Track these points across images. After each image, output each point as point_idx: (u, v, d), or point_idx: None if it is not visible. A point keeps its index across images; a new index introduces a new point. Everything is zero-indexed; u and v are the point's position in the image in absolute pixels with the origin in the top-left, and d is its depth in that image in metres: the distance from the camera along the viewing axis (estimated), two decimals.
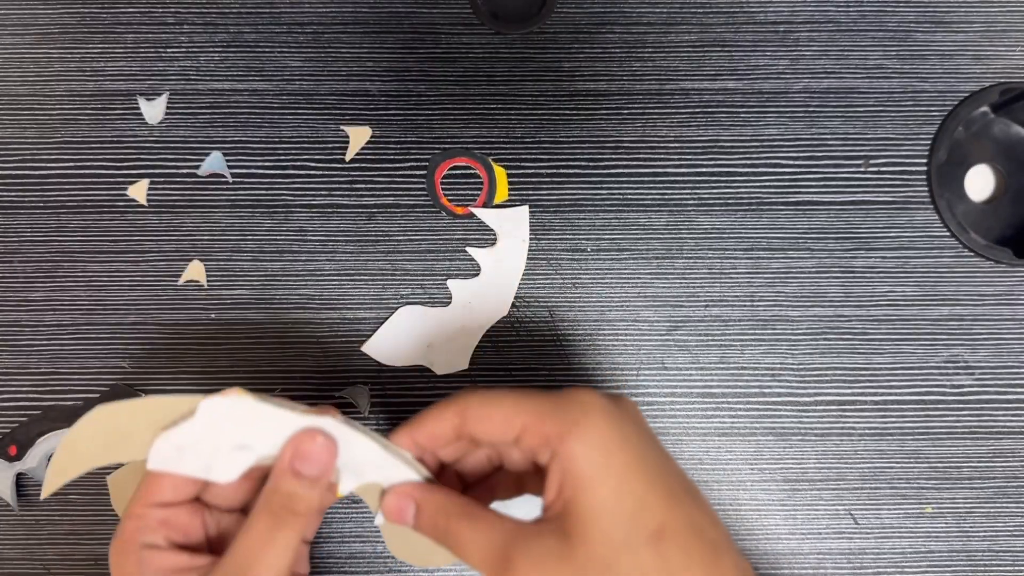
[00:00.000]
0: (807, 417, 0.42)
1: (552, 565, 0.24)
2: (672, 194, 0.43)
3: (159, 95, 0.43)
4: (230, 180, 0.42)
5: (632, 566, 0.24)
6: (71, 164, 0.43)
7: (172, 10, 0.44)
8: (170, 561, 0.28)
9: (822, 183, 0.43)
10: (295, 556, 0.28)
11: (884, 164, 0.43)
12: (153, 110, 0.42)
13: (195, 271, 0.43)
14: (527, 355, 0.42)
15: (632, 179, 0.43)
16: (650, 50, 0.44)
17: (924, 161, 0.43)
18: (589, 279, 0.43)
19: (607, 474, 0.25)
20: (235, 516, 0.31)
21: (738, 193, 0.43)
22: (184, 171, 0.43)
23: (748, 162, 0.43)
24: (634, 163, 0.43)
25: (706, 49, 0.44)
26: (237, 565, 0.27)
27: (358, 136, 0.41)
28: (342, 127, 0.42)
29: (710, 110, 0.43)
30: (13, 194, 0.43)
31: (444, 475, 0.31)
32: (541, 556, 0.25)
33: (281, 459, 0.28)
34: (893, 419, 0.42)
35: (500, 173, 0.43)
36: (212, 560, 0.28)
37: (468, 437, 0.28)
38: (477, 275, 0.43)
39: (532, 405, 0.27)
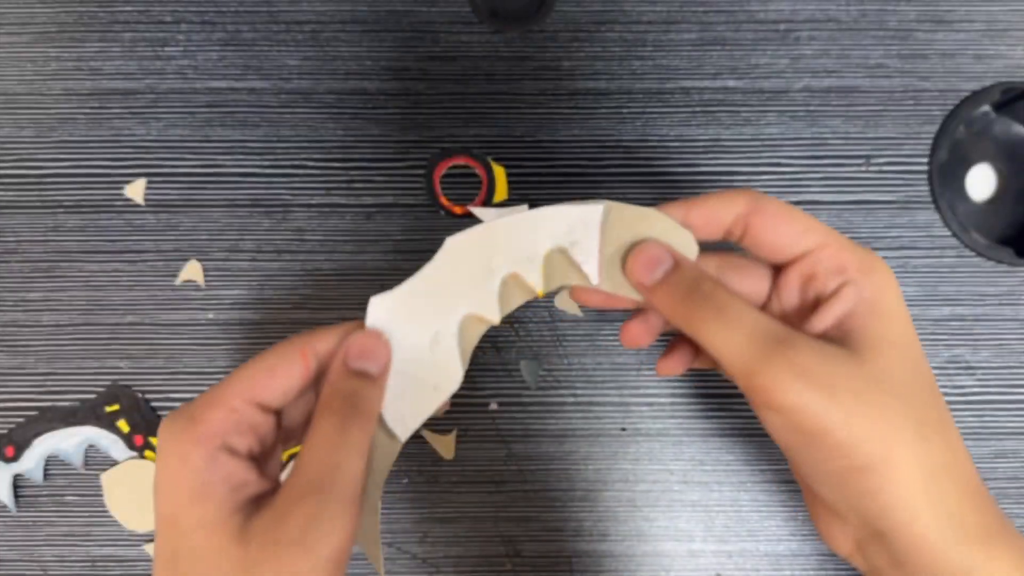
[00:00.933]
0: None
1: (840, 369, 0.25)
2: (673, 193, 0.43)
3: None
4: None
5: (919, 396, 0.26)
6: (68, 163, 0.43)
7: (169, 9, 0.44)
8: (241, 475, 0.25)
9: (823, 182, 0.43)
10: (368, 460, 0.26)
11: (885, 163, 0.43)
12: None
13: (193, 271, 0.42)
14: (527, 355, 0.42)
15: (632, 178, 0.43)
16: (650, 49, 0.44)
17: (925, 160, 0.43)
18: None
19: (905, 314, 0.27)
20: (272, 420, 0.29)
21: None
22: (181, 170, 0.43)
23: (749, 161, 0.43)
24: (634, 162, 0.43)
25: (706, 48, 0.44)
26: (313, 474, 0.24)
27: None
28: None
29: (711, 109, 0.43)
30: (10, 193, 0.43)
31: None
32: (824, 358, 0.25)
33: (337, 358, 0.27)
34: None
35: (499, 172, 0.43)
36: (272, 485, 0.27)
37: (740, 237, 0.28)
38: None
39: (830, 232, 0.28)
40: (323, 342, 0.28)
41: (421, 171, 0.43)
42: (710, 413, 0.42)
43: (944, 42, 0.44)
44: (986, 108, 0.44)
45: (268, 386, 0.27)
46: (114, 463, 0.41)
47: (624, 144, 0.43)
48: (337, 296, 0.42)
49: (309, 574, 0.24)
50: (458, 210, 0.43)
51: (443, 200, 0.43)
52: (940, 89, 0.44)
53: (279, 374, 0.27)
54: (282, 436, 0.29)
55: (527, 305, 0.42)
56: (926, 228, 0.43)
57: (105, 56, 0.43)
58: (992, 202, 0.44)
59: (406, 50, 0.44)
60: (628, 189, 0.43)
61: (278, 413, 0.28)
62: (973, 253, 0.43)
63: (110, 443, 0.41)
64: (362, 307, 0.43)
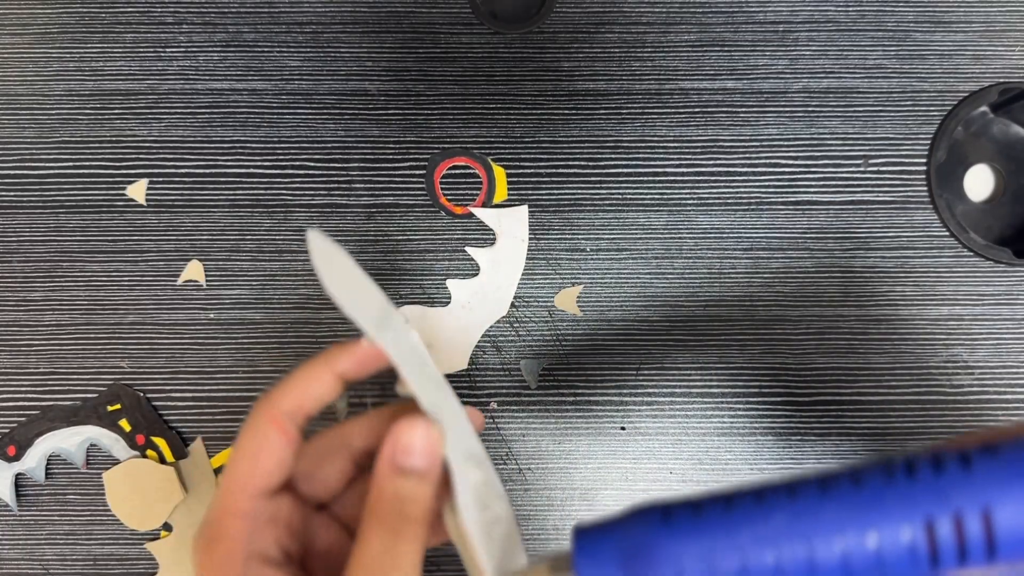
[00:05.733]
0: (807, 417, 0.42)
1: None
2: (671, 194, 0.43)
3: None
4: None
5: None
6: (70, 164, 0.43)
7: (171, 9, 0.44)
8: None
9: (821, 183, 0.43)
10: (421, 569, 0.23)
11: (883, 164, 0.43)
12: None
13: (194, 271, 0.43)
14: (527, 355, 0.42)
15: (631, 179, 0.43)
16: (649, 50, 0.44)
17: (923, 161, 0.43)
18: (588, 279, 0.43)
19: None
20: (323, 518, 0.26)
21: (737, 193, 0.43)
22: (183, 171, 0.43)
23: (747, 162, 0.43)
24: (633, 163, 0.43)
25: (705, 49, 0.44)
26: None
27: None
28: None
29: (709, 110, 0.43)
30: (12, 194, 0.43)
31: None
32: None
33: (381, 458, 0.23)
34: (893, 419, 0.42)
35: (499, 173, 0.43)
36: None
37: None
38: (476, 275, 0.42)
39: None
40: (289, 398, 0.24)
41: (421, 171, 0.43)
42: (709, 412, 0.42)
43: (942, 43, 0.44)
44: (984, 109, 0.44)
45: (256, 474, 0.23)
46: (116, 462, 0.42)
47: (623, 145, 0.43)
48: None
49: None
50: (458, 210, 0.43)
51: (443, 200, 0.43)
52: (938, 90, 0.44)
53: (261, 458, 0.23)
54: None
55: (527, 305, 0.43)
56: (924, 228, 0.43)
57: (107, 57, 0.44)
58: (990, 202, 0.44)
59: (406, 51, 0.44)
60: (627, 189, 0.43)
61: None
62: (971, 253, 0.43)
63: (111, 442, 0.41)
64: None
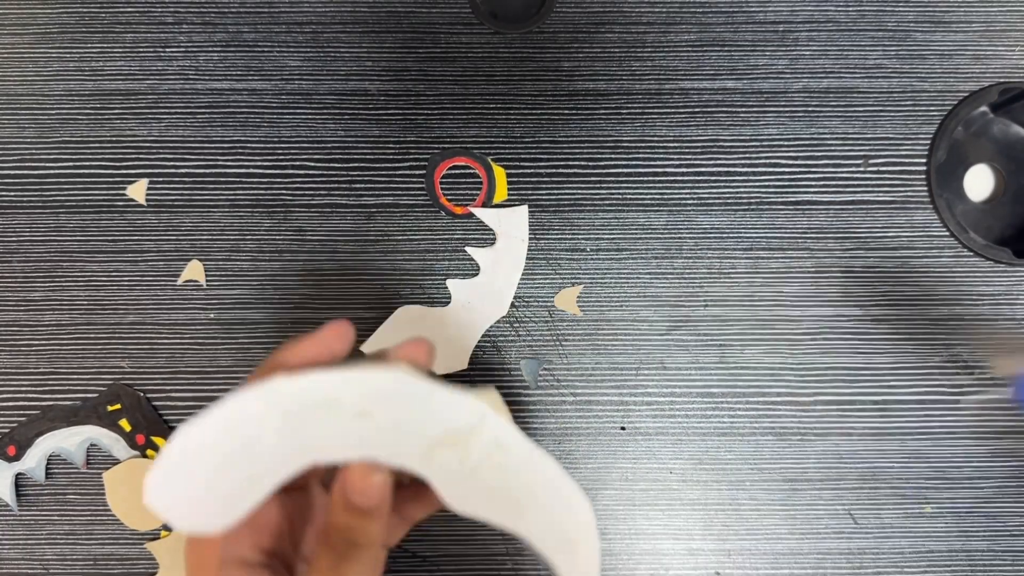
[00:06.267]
0: (807, 417, 0.42)
1: None
2: (671, 194, 0.43)
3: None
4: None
5: None
6: (70, 164, 0.43)
7: (171, 10, 0.44)
8: None
9: (821, 183, 0.43)
10: None
11: (883, 164, 0.43)
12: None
13: (194, 271, 0.43)
14: (527, 355, 0.42)
15: (631, 179, 0.43)
16: (649, 50, 0.44)
17: (923, 161, 0.43)
18: (588, 279, 0.43)
19: None
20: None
21: (737, 193, 0.43)
22: (183, 171, 0.43)
23: (747, 162, 0.43)
24: (633, 163, 0.43)
25: (705, 49, 0.44)
26: None
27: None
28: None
29: (709, 110, 0.43)
30: (12, 194, 0.43)
31: None
32: None
33: (334, 492, 0.25)
34: (893, 419, 0.42)
35: (499, 173, 0.43)
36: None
37: None
38: (476, 275, 0.42)
39: None
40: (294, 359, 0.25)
41: (421, 171, 0.43)
42: (709, 412, 0.42)
43: (942, 43, 0.44)
44: (984, 108, 0.44)
45: None
46: (116, 462, 0.42)
47: (623, 145, 0.43)
48: (338, 296, 0.43)
49: None
50: (458, 210, 0.43)
51: (443, 200, 0.43)
52: (938, 90, 0.44)
53: None
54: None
55: (527, 305, 0.43)
56: (924, 228, 0.43)
57: (106, 57, 0.44)
58: (990, 202, 0.44)
59: (406, 51, 0.44)
60: (628, 189, 0.43)
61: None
62: (971, 253, 0.43)
63: (112, 442, 0.41)
64: (362, 307, 0.43)
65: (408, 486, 0.27)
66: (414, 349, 0.26)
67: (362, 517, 0.24)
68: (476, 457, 0.24)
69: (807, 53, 0.44)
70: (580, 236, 0.43)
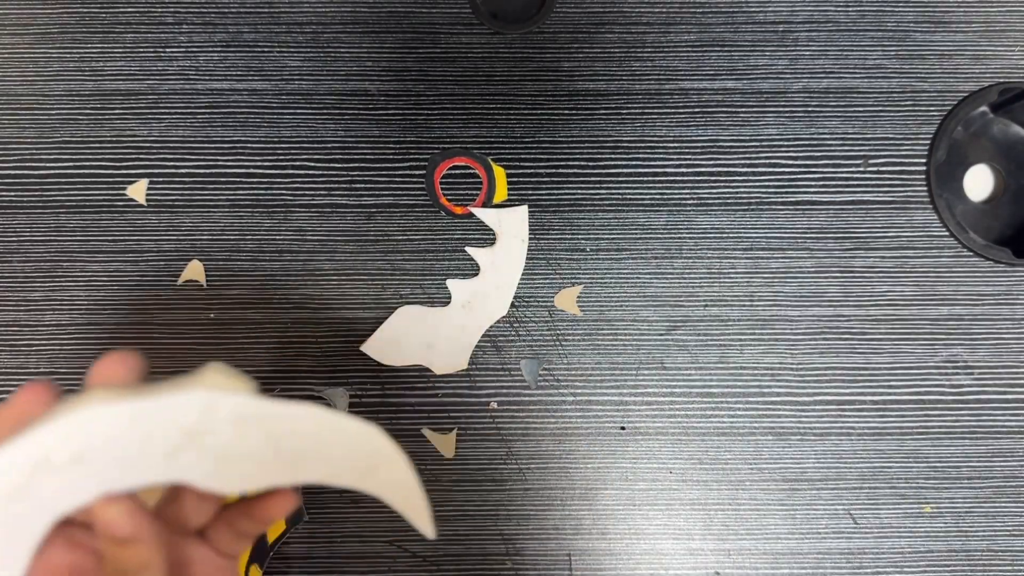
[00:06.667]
0: (806, 417, 0.42)
1: None
2: (671, 194, 0.43)
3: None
4: None
5: None
6: (70, 164, 0.43)
7: (171, 10, 0.44)
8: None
9: (821, 183, 0.43)
10: None
11: (883, 164, 0.43)
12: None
13: (194, 271, 0.43)
14: (527, 355, 0.42)
15: (631, 179, 0.43)
16: (649, 50, 0.44)
17: (923, 161, 0.43)
18: (588, 279, 0.43)
19: None
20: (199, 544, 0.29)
21: (737, 193, 0.43)
22: (183, 171, 0.43)
23: (747, 162, 0.43)
24: (633, 163, 0.43)
25: (705, 49, 0.44)
26: None
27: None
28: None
29: (709, 110, 0.43)
30: (12, 194, 0.43)
31: None
32: None
33: (96, 532, 0.25)
34: (892, 419, 0.42)
35: (499, 173, 0.43)
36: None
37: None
38: (476, 275, 0.43)
39: None
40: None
41: (421, 171, 0.43)
42: (709, 412, 0.42)
43: (942, 43, 0.44)
44: (984, 108, 0.44)
45: None
46: None
47: (623, 144, 0.43)
48: (338, 296, 0.43)
49: None
50: (458, 210, 0.43)
51: (443, 200, 0.43)
52: (938, 90, 0.44)
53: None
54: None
55: (527, 305, 0.43)
56: (924, 228, 0.43)
57: (107, 57, 0.44)
58: (990, 202, 0.44)
59: (406, 51, 0.44)
60: (627, 189, 0.43)
61: None
62: (971, 253, 0.43)
63: None
64: (362, 307, 0.43)
65: (249, 499, 0.28)
66: (107, 370, 0.26)
67: (124, 546, 0.25)
68: (224, 440, 0.24)
69: (807, 53, 0.44)
70: (580, 236, 0.43)
